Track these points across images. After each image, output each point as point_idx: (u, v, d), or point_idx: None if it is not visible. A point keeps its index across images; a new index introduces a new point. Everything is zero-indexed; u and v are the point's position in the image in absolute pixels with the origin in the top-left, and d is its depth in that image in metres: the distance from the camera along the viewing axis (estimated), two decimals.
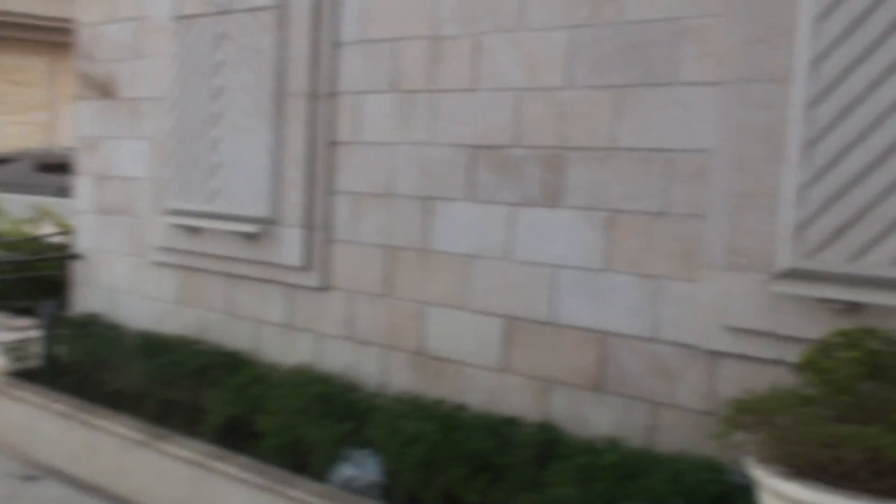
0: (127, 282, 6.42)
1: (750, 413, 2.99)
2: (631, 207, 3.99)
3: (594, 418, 4.12)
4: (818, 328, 3.29)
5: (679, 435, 3.85)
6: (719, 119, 3.71)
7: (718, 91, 3.72)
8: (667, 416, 3.91)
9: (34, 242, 8.05)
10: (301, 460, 4.47)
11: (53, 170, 11.10)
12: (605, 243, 4.08)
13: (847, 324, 3.15)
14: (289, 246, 5.24)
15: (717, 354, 3.76)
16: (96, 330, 6.13)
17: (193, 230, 5.77)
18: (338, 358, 5.12)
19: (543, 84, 4.26)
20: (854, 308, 3.32)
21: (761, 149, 3.59)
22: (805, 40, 3.45)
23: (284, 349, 5.38)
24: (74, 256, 6.81)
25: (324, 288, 5.18)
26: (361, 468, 4.25)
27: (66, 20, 10.33)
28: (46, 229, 8.46)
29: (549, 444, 3.99)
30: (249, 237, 5.41)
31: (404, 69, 4.80)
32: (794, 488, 2.69)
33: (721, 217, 3.70)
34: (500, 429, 4.15)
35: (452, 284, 4.62)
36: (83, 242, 6.75)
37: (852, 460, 2.64)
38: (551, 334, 4.26)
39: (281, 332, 5.42)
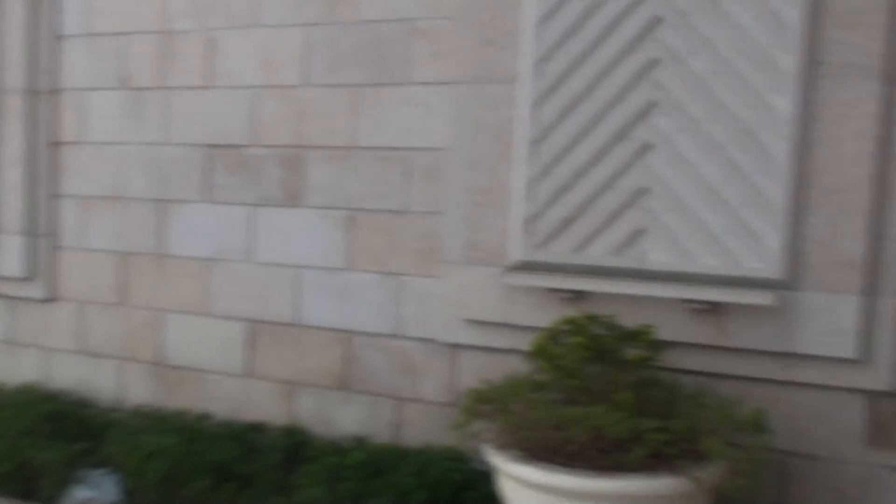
0: None
1: (487, 402, 3.10)
2: (371, 206, 4.02)
3: (342, 418, 4.11)
4: (549, 317, 3.45)
5: (424, 428, 3.92)
6: (454, 118, 3.81)
7: (452, 91, 3.82)
8: (412, 410, 3.97)
9: None
10: (31, 486, 4.19)
11: None
12: (347, 242, 4.08)
13: (573, 311, 3.34)
14: (8, 255, 4.84)
15: (457, 347, 3.86)
16: None
17: None
18: (69, 373, 4.80)
19: (280, 82, 4.19)
20: (579, 296, 3.52)
21: (493, 146, 3.72)
22: (529, 43, 3.61)
23: (7, 367, 4.98)
24: None
25: (50, 299, 4.83)
26: (97, 489, 4.04)
27: None
28: None
29: (296, 448, 3.94)
30: None
31: (133, 65, 4.56)
32: (527, 470, 2.81)
33: (458, 213, 3.80)
34: (246, 436, 4.06)
35: (192, 290, 4.45)
36: None
37: (580, 440, 2.80)
38: (296, 336, 4.21)
39: (2, 349, 5.00)
